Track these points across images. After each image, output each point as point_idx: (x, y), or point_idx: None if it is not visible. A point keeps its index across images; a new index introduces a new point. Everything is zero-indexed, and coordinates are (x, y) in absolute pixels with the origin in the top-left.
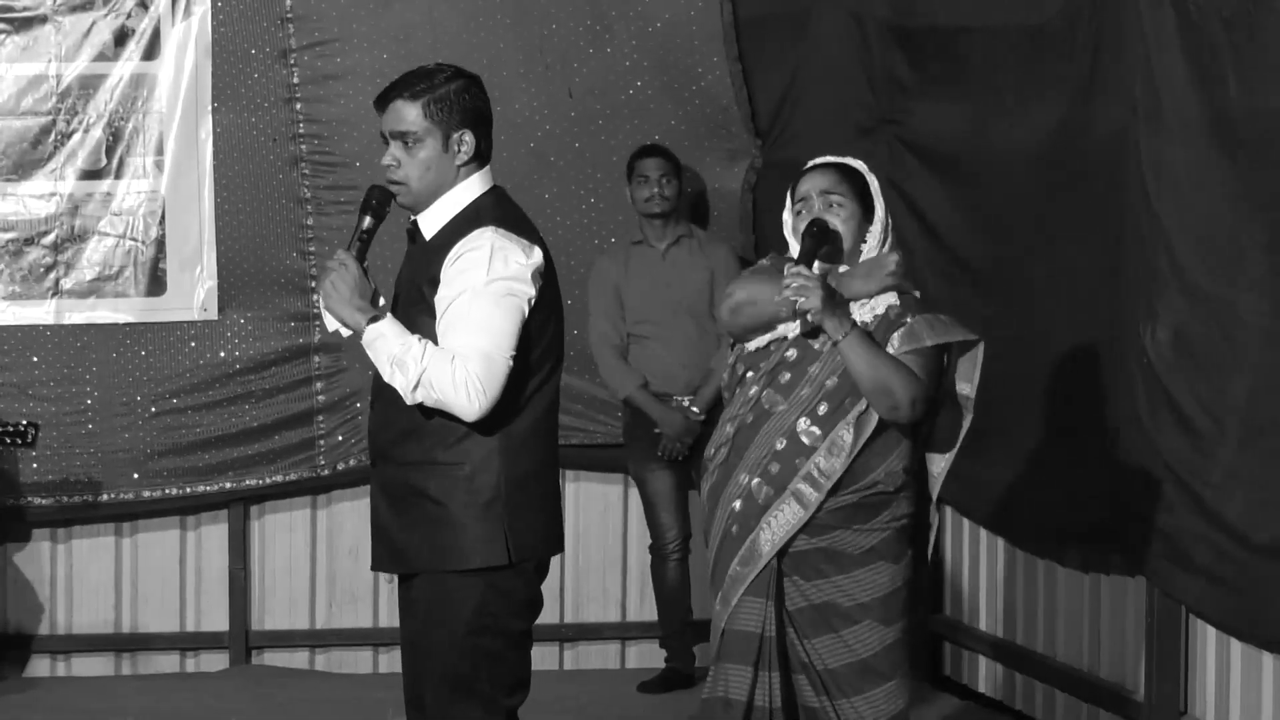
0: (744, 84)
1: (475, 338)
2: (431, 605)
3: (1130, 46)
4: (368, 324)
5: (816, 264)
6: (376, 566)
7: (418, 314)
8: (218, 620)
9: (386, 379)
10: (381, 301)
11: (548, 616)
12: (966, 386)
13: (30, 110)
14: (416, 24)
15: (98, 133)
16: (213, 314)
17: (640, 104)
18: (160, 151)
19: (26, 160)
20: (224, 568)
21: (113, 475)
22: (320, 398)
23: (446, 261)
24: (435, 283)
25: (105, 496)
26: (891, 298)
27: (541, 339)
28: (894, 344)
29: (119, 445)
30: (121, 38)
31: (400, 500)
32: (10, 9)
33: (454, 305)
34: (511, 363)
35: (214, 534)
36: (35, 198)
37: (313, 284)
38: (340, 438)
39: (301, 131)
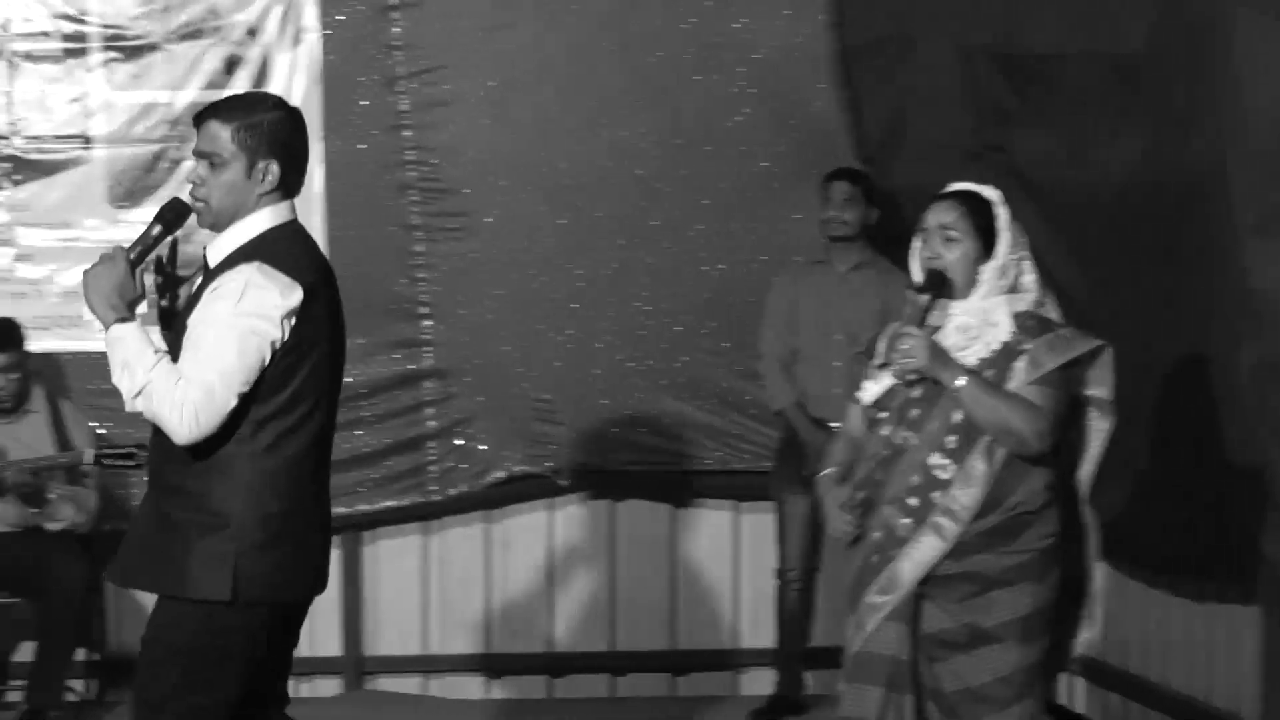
0: (849, 111)
1: (204, 368)
2: (151, 623)
3: (1221, 75)
4: (114, 323)
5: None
6: (108, 577)
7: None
8: (331, 645)
9: (115, 381)
10: (142, 309)
11: (658, 643)
12: (1102, 390)
13: (142, 138)
14: (523, 51)
15: None
16: None
17: (746, 131)
18: None
19: (139, 187)
20: (337, 593)
21: None
22: (431, 424)
23: (207, 290)
24: None
25: None
26: (1010, 325)
27: (291, 380)
28: (1017, 375)
29: None
30: (231, 65)
31: (151, 522)
32: (122, 37)
33: (196, 330)
34: (236, 399)
35: None
36: (145, 225)
37: (424, 310)
38: (451, 464)
39: (410, 158)
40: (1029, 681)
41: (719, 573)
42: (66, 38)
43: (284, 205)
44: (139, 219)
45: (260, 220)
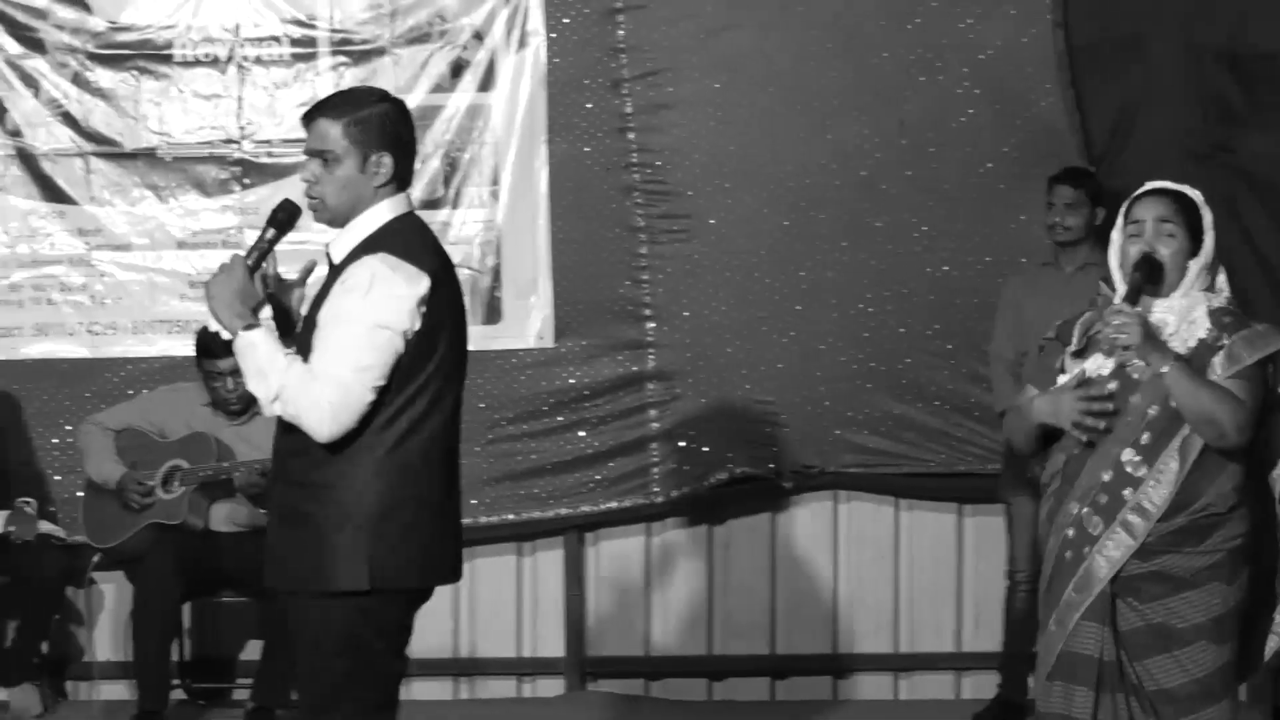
0: (1077, 111)
1: (337, 364)
2: (299, 623)
3: None
4: (241, 331)
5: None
6: (265, 582)
7: (317, 334)
8: (553, 646)
9: (250, 388)
10: (266, 312)
11: (882, 645)
12: None
13: None
14: (746, 54)
15: (435, 163)
16: (548, 342)
17: (972, 132)
18: (496, 181)
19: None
20: (559, 594)
21: None
22: (654, 425)
23: (335, 285)
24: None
25: None
26: (1207, 322)
27: (425, 368)
28: (1215, 369)
29: None
30: (458, 69)
31: (283, 518)
32: (349, 42)
33: (327, 328)
34: (373, 394)
35: (549, 560)
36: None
37: (647, 312)
38: (674, 465)
39: (635, 161)
40: (1225, 682)
41: (942, 575)
42: (295, 43)
43: (401, 197)
44: None
45: (380, 213)
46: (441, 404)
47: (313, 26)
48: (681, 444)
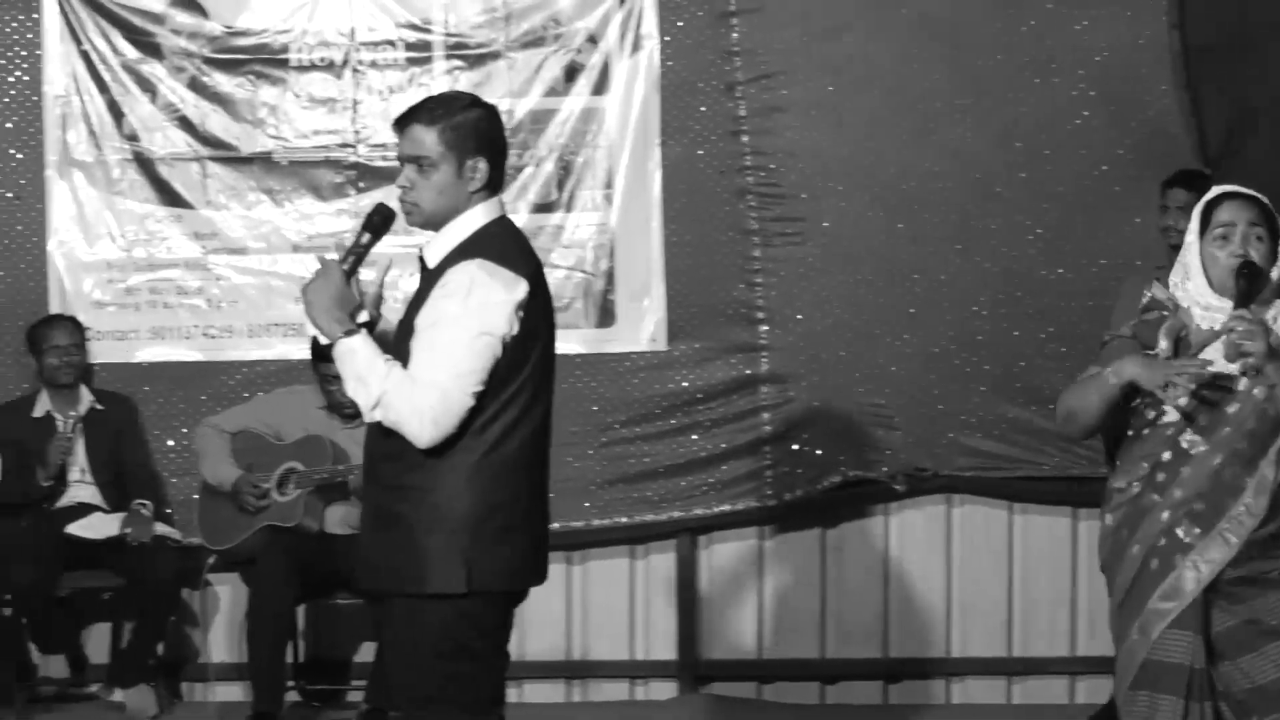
0: (1192, 113)
1: (438, 370)
2: (400, 626)
3: None
4: (341, 337)
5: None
6: (359, 584)
7: (413, 339)
8: (666, 649)
9: (350, 394)
10: (363, 316)
11: (995, 649)
12: None
13: None
14: (858, 57)
15: (549, 167)
16: (661, 345)
17: (1086, 134)
18: (609, 185)
19: None
20: (672, 597)
21: (563, 504)
22: (767, 428)
23: (433, 290)
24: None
25: (556, 525)
26: None
27: (521, 371)
28: None
29: (569, 475)
30: (572, 73)
31: (378, 521)
32: (464, 46)
33: (426, 333)
34: (472, 399)
35: (662, 563)
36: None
37: (761, 315)
38: (787, 468)
39: (748, 163)
40: None
41: (1056, 579)
42: (410, 47)
43: (494, 201)
44: None
45: (475, 217)
46: (535, 408)
47: (428, 30)
48: (794, 447)
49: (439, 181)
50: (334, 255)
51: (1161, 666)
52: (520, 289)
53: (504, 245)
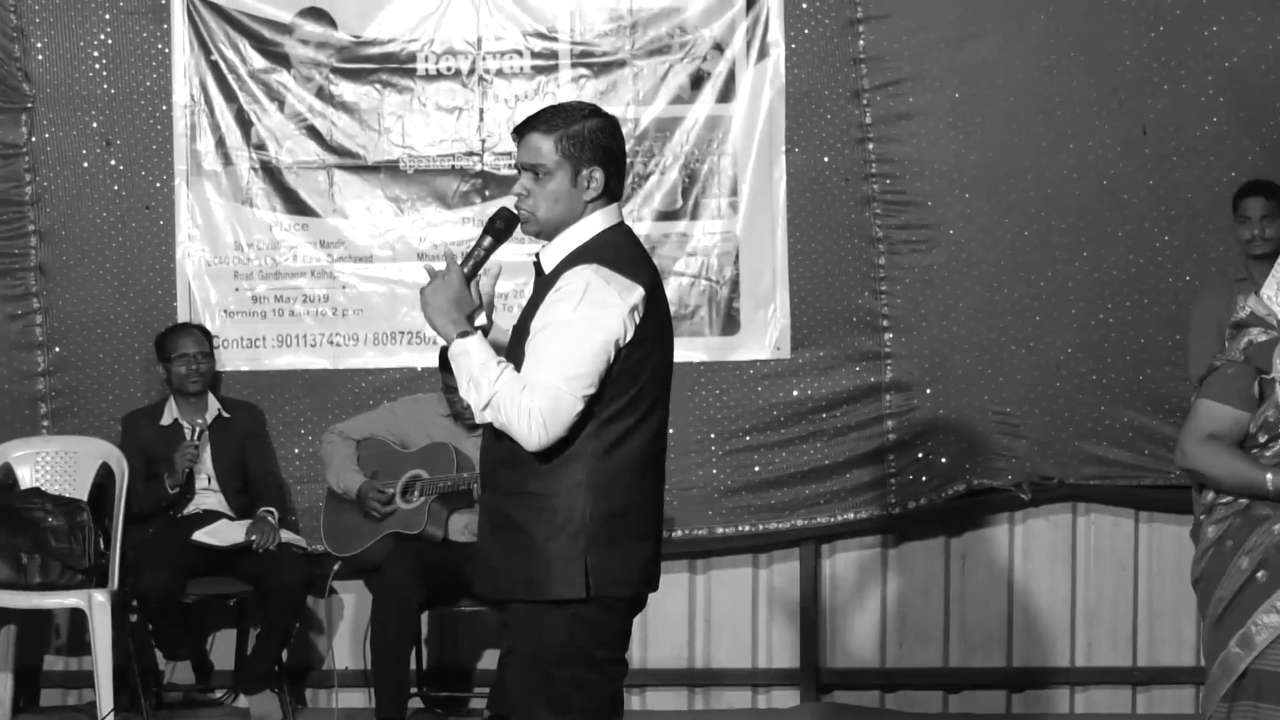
0: None
1: (548, 372)
2: (521, 632)
3: None
4: (456, 338)
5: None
6: (478, 591)
7: (528, 342)
8: (788, 657)
9: (463, 394)
10: (480, 320)
11: (1120, 659)
12: None
13: None
14: (987, 63)
15: (674, 174)
16: (785, 353)
17: (1216, 140)
18: (734, 192)
19: None
20: (795, 605)
21: (687, 512)
22: (891, 436)
23: (547, 294)
24: None
25: (680, 533)
26: None
27: (638, 378)
28: None
29: (692, 482)
30: (698, 80)
31: (496, 528)
32: (590, 54)
33: (538, 336)
34: (582, 403)
35: (785, 571)
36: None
37: (885, 323)
38: (911, 476)
39: (874, 171)
40: None
41: (1184, 588)
42: (536, 55)
43: (612, 209)
44: None
45: (592, 224)
46: (651, 415)
47: (554, 39)
48: (919, 455)
49: (554, 189)
50: (456, 258)
51: (1268, 676)
52: (635, 295)
53: (619, 252)
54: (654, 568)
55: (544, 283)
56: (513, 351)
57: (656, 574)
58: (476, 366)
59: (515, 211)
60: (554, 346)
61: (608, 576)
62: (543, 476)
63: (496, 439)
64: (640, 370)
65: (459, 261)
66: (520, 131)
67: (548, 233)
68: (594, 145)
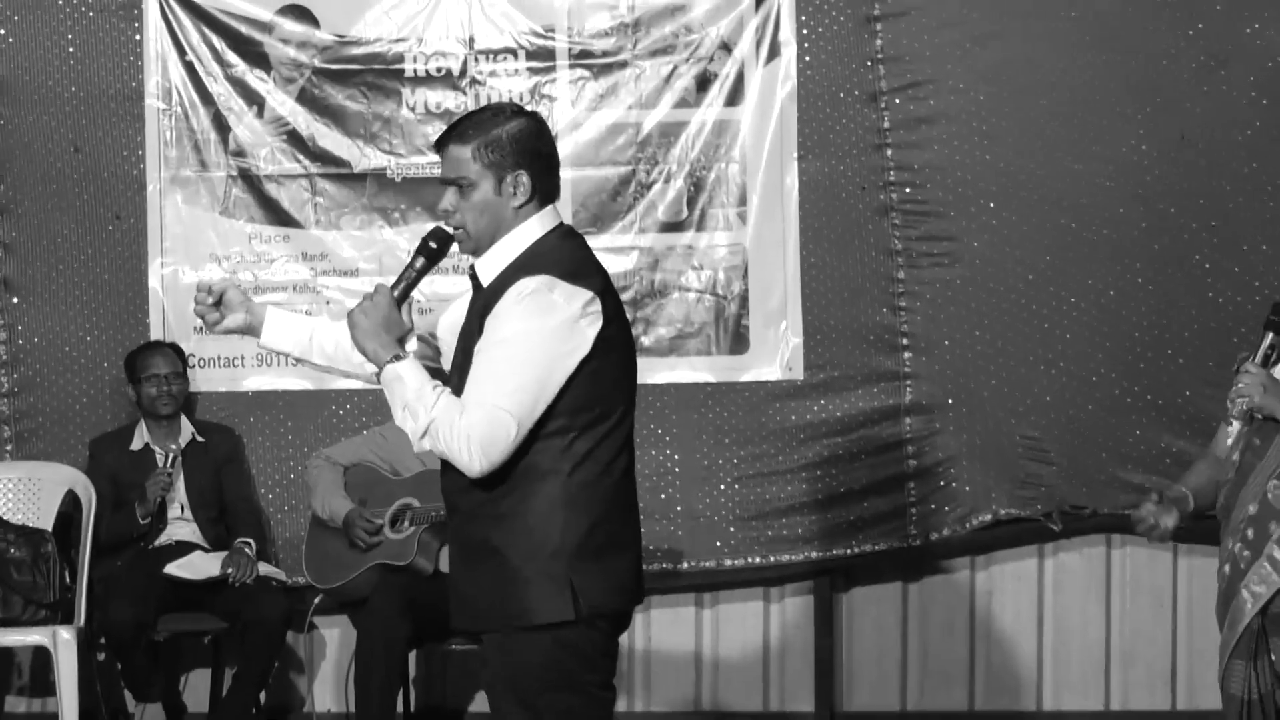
0: None
1: (487, 393)
2: (502, 663)
3: None
4: (388, 362)
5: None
6: (454, 625)
7: (469, 361)
8: (802, 699)
9: (398, 422)
10: (411, 345)
11: (1158, 701)
12: None
13: (609, 160)
14: (1013, 63)
15: (679, 183)
16: (798, 373)
17: (1257, 146)
18: (743, 202)
19: (606, 212)
20: (809, 643)
21: (694, 543)
22: (912, 462)
23: (490, 309)
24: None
25: (686, 565)
26: None
27: (597, 389)
28: None
29: (699, 511)
30: (704, 82)
31: (468, 554)
32: (589, 54)
33: (481, 355)
34: (529, 421)
35: (799, 606)
36: (614, 251)
37: (905, 341)
38: (933, 505)
39: (892, 179)
40: None
41: None
42: (532, 55)
43: (548, 212)
44: (605, 245)
45: (528, 231)
46: (622, 424)
47: (550, 38)
48: (941, 483)
49: (479, 201)
50: (385, 281)
51: (1227, 698)
52: (581, 300)
53: (564, 257)
54: (639, 580)
55: (483, 296)
56: (456, 373)
57: (642, 586)
58: (411, 393)
59: (449, 231)
60: (495, 365)
61: (595, 594)
62: (513, 496)
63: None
64: (601, 379)
65: (390, 284)
66: (440, 145)
67: (482, 247)
68: (516, 148)
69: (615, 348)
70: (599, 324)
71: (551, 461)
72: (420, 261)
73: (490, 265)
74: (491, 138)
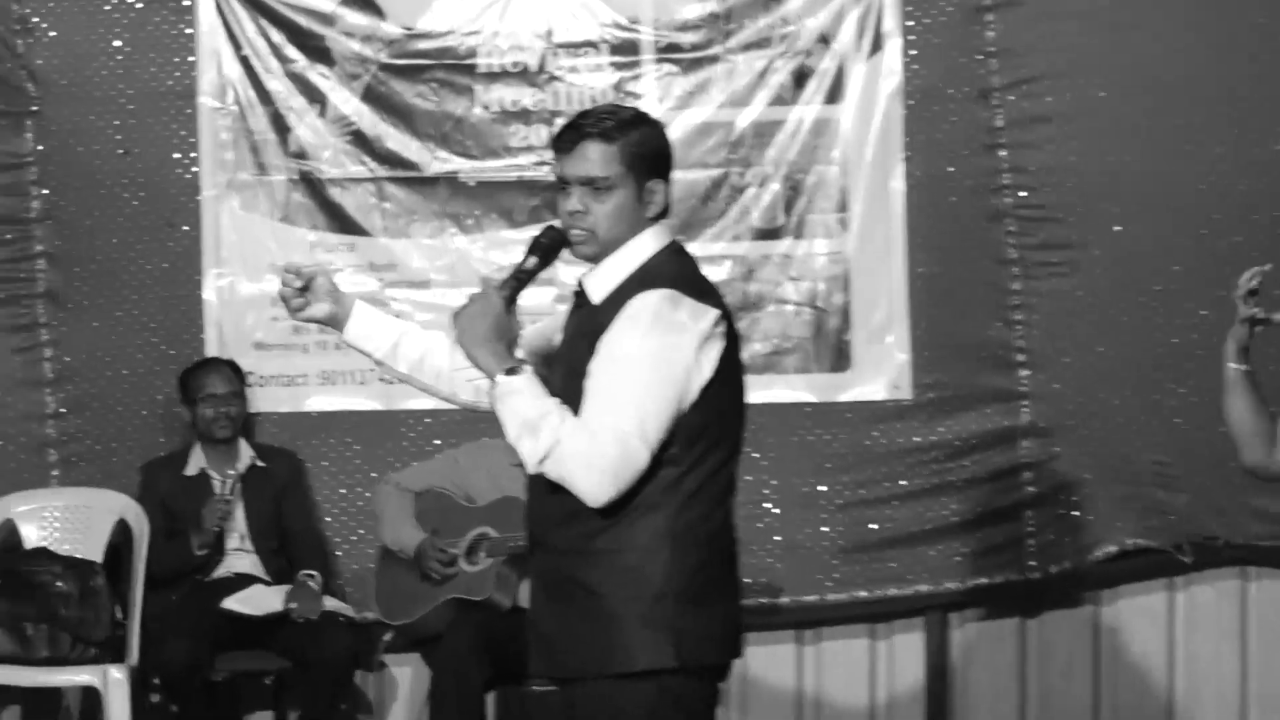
0: None
1: (616, 415)
2: (597, 711)
3: None
4: (503, 374)
5: None
6: (534, 671)
7: (575, 383)
8: None
9: (510, 440)
10: (520, 352)
11: None
12: None
13: (699, 162)
14: (1143, 55)
15: (775, 186)
16: (905, 392)
17: None
18: (844, 207)
19: (695, 219)
20: (919, 685)
21: (794, 576)
22: (1029, 489)
23: (609, 328)
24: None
25: (785, 600)
26: None
27: (723, 414)
28: None
29: (799, 542)
30: (801, 78)
31: (557, 593)
32: (677, 48)
33: (601, 374)
34: (656, 447)
35: (907, 645)
36: (704, 261)
37: (1021, 358)
38: (1052, 536)
39: (1006, 182)
40: None
41: None
42: (615, 49)
43: (664, 227)
44: (696, 255)
45: (643, 245)
46: (733, 458)
47: (635, 30)
48: (1061, 511)
49: (615, 206)
50: (493, 280)
51: None
52: (708, 319)
53: (685, 274)
54: (741, 630)
55: (593, 313)
56: (556, 392)
57: (742, 639)
58: (532, 409)
59: (564, 231)
60: (618, 385)
61: (697, 640)
62: (614, 531)
63: (551, 491)
64: (718, 406)
65: (496, 283)
66: (568, 140)
67: (603, 255)
68: (656, 155)
69: (734, 372)
70: (722, 345)
71: (659, 495)
72: (533, 261)
73: (602, 280)
74: (637, 140)
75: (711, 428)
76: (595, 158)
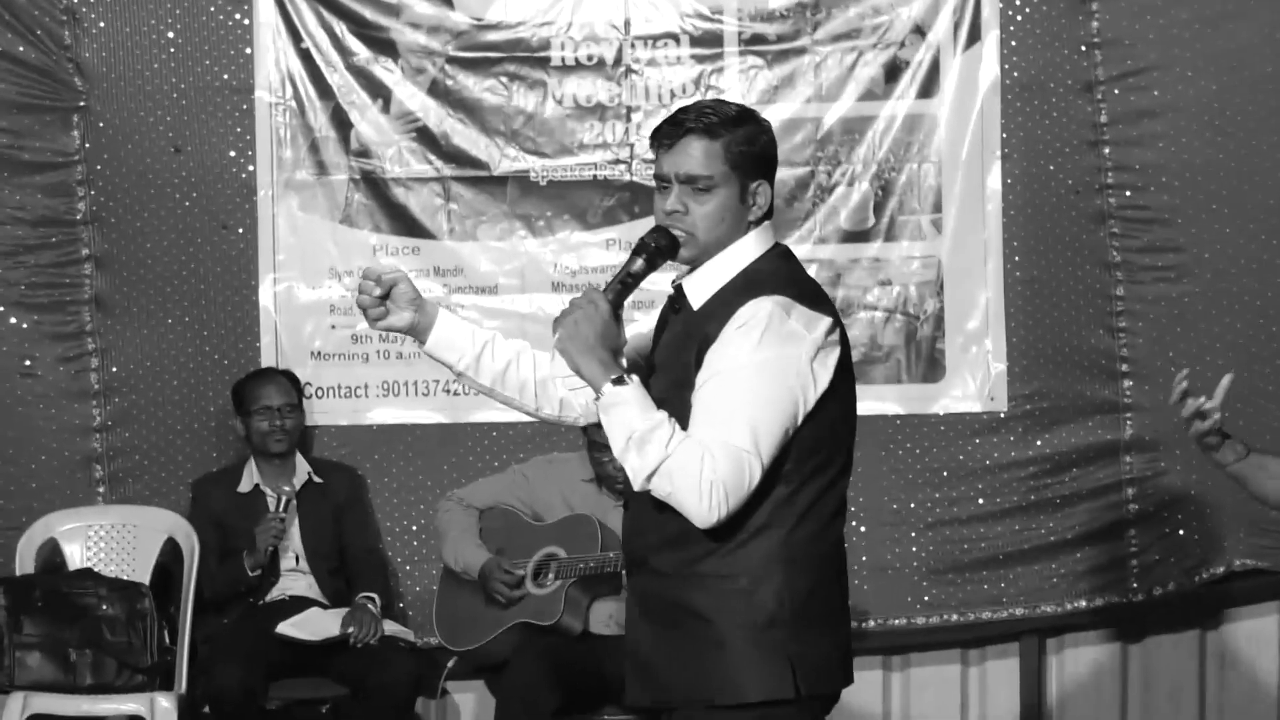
0: None
1: (730, 431)
2: None
3: None
4: (610, 384)
5: None
6: (631, 700)
7: (677, 394)
8: None
9: (616, 453)
10: (624, 361)
11: None
12: None
13: (784, 160)
14: (1251, 47)
15: (864, 185)
16: (1001, 404)
17: None
18: (938, 208)
19: (780, 220)
20: (1014, 713)
21: (882, 598)
22: (1133, 506)
23: (718, 336)
24: (701, 361)
25: (872, 623)
26: None
27: (835, 429)
28: None
29: (888, 562)
30: (893, 72)
31: (661, 618)
32: (762, 40)
33: (711, 386)
34: (766, 468)
35: (1002, 671)
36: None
37: (1125, 368)
38: (1157, 556)
39: (1110, 181)
40: None
41: None
42: (696, 41)
43: (767, 229)
44: None
45: (744, 249)
46: (845, 474)
47: (718, 21)
48: (1166, 530)
49: (718, 206)
50: (598, 285)
51: None
52: (822, 327)
53: (793, 279)
54: (851, 658)
55: (691, 320)
56: (659, 403)
57: (852, 666)
58: (640, 422)
59: (673, 233)
60: (735, 398)
61: (813, 670)
62: (724, 554)
63: (655, 509)
64: (832, 420)
65: (601, 289)
66: (670, 135)
67: (704, 258)
68: (762, 155)
69: (847, 383)
70: (837, 353)
71: (771, 514)
72: (639, 264)
73: (702, 284)
74: (742, 137)
75: (824, 442)
76: (698, 155)
